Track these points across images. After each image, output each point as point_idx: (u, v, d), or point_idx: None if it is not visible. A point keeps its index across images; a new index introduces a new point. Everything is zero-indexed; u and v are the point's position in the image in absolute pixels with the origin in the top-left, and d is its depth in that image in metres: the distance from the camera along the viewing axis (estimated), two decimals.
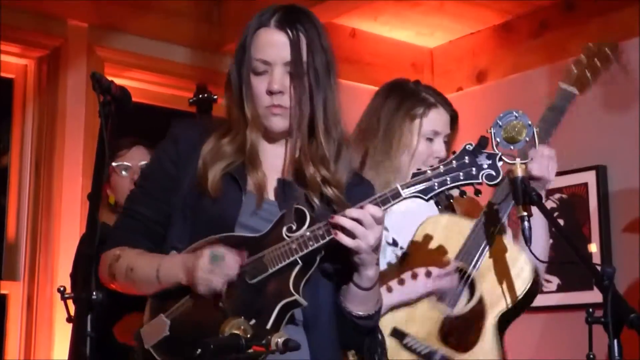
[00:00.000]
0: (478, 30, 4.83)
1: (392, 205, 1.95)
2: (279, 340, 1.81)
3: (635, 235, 4.02)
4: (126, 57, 4.09)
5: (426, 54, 5.06)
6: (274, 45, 2.06)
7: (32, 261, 3.85)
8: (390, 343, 2.50)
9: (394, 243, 2.65)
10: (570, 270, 4.10)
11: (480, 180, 1.94)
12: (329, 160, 2.08)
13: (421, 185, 1.94)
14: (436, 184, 1.94)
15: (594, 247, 4.12)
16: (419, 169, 1.97)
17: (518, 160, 2.24)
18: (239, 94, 2.10)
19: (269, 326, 1.90)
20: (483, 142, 1.98)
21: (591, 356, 1.87)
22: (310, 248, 1.95)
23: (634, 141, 4.09)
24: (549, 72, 4.51)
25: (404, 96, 2.77)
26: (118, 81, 1.93)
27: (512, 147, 2.29)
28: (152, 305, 2.05)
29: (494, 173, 1.95)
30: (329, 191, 2.06)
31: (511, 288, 2.58)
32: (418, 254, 2.59)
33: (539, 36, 4.55)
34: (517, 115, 2.30)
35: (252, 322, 1.90)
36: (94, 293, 1.65)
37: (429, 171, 1.95)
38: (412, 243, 2.61)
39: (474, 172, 1.94)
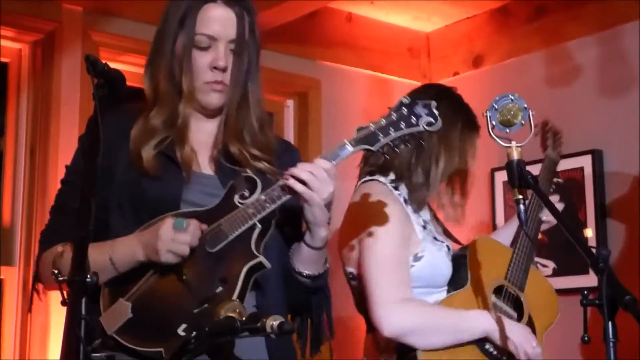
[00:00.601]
0: (474, 15, 4.82)
1: (341, 159, 2.02)
2: (273, 323, 1.81)
3: (631, 219, 4.02)
4: (121, 41, 4.07)
5: (422, 38, 5.05)
6: (221, 21, 2.09)
7: (28, 246, 3.84)
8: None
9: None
10: (566, 255, 4.11)
11: (421, 128, 2.02)
12: (257, 135, 2.14)
13: (368, 138, 2.02)
14: (381, 135, 2.01)
15: (589, 232, 4.12)
16: (364, 126, 2.04)
17: (514, 143, 2.24)
18: (169, 66, 2.11)
19: (236, 292, 1.93)
20: (415, 94, 2.13)
21: (586, 338, 1.87)
22: (268, 209, 2.00)
23: (630, 125, 4.08)
24: (546, 57, 4.51)
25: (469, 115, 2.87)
26: (113, 65, 1.92)
27: (507, 130, 2.30)
28: (108, 293, 2.02)
29: (432, 120, 2.03)
30: (261, 165, 2.13)
31: (550, 304, 2.85)
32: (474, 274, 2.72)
33: (536, 20, 4.54)
34: (512, 98, 2.31)
35: (219, 289, 1.93)
36: (89, 276, 1.65)
37: (372, 125, 2.03)
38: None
39: (413, 121, 2.02)
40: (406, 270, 2.64)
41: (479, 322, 2.63)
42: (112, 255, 1.98)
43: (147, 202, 2.04)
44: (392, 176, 2.76)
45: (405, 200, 2.73)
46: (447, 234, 2.96)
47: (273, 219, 2.05)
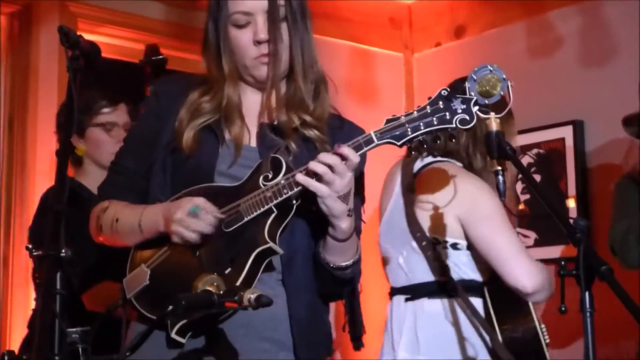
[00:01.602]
0: None
1: (366, 151, 1.94)
2: (251, 296, 1.80)
3: (611, 190, 4.04)
4: (99, 12, 4.03)
5: (404, 9, 5.02)
6: None
7: (7, 220, 3.82)
8: None
9: None
10: (547, 225, 4.12)
11: (454, 125, 1.92)
12: (307, 103, 2.10)
13: (395, 131, 1.92)
14: (409, 129, 1.92)
15: (572, 202, 4.14)
16: (394, 117, 1.96)
17: (492, 114, 2.23)
18: (217, 50, 2.12)
19: (243, 274, 1.91)
20: (458, 87, 1.98)
21: (562, 308, 1.88)
22: (285, 196, 1.95)
23: (611, 96, 4.09)
24: (528, 27, 4.50)
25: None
26: (91, 37, 1.92)
27: (486, 101, 2.29)
28: (134, 256, 2.09)
29: (467, 117, 1.93)
30: (311, 133, 2.08)
31: None
32: None
33: None
34: (491, 69, 2.29)
35: (228, 270, 1.92)
36: (63, 250, 1.64)
37: (402, 117, 1.93)
38: None
39: (447, 117, 1.92)
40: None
41: None
42: (141, 219, 2.04)
43: (184, 172, 2.07)
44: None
45: None
46: None
47: (295, 204, 1.98)
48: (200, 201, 1.96)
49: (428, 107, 1.93)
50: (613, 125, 4.06)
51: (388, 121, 1.94)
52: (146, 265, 2.03)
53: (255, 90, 2.15)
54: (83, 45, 1.90)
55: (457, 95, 1.95)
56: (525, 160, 4.24)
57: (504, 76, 2.28)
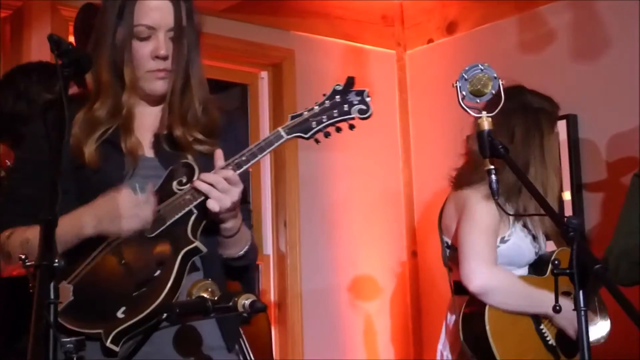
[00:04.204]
0: None
1: (275, 147, 2.06)
2: (245, 302, 1.82)
3: (605, 183, 4.05)
4: None
5: (396, 6, 5.02)
6: (159, 11, 2.13)
7: None
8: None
9: None
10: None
11: (353, 116, 2.09)
12: (201, 119, 2.18)
13: (301, 125, 2.08)
14: (314, 122, 2.07)
15: (567, 195, 4.14)
16: (297, 113, 2.10)
17: (484, 113, 2.23)
18: (111, 58, 2.15)
19: (173, 275, 1.97)
20: (350, 82, 2.11)
21: (557, 307, 1.88)
22: (203, 197, 2.04)
23: (605, 90, 4.10)
24: (520, 22, 4.50)
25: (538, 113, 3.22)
26: None
27: (478, 101, 2.29)
28: None
29: (364, 107, 2.10)
30: (202, 148, 2.16)
31: None
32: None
33: None
34: (482, 68, 2.29)
35: (157, 273, 1.98)
36: (56, 260, 1.63)
37: (305, 113, 2.08)
38: None
39: (346, 109, 2.08)
40: (495, 242, 3.06)
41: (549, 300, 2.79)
42: (57, 229, 1.98)
43: (90, 190, 2.07)
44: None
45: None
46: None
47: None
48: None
49: (327, 101, 2.08)
50: (606, 119, 4.08)
51: (292, 117, 2.08)
52: (67, 281, 2.01)
53: (146, 103, 2.21)
54: (73, 53, 1.90)
55: (350, 89, 2.10)
56: None
57: (495, 75, 2.29)
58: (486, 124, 2.22)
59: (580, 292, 1.83)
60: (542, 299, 3.00)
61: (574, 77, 4.23)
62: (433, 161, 4.79)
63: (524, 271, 3.17)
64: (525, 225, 3.16)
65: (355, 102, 2.09)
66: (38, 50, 3.87)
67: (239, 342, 3.07)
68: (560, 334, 3.13)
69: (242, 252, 2.18)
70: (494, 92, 2.28)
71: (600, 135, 4.10)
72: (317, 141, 2.09)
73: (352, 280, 4.66)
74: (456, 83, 2.29)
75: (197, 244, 2.02)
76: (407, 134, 4.99)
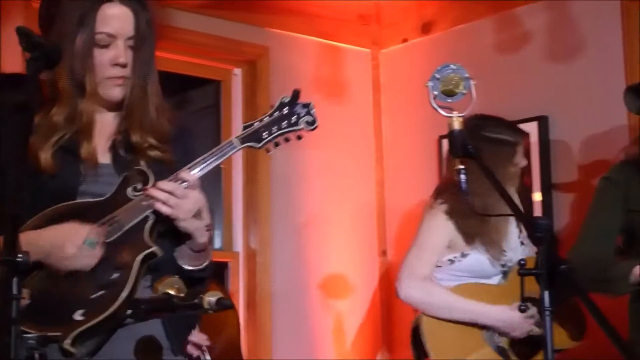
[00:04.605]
0: None
1: (226, 157, 2.13)
2: (211, 299, 1.81)
3: (575, 185, 4.07)
4: None
5: (372, 5, 5.02)
6: (119, 19, 2.17)
7: None
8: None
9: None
10: None
11: (301, 127, 2.16)
12: (156, 125, 2.23)
13: (253, 136, 2.15)
14: (265, 133, 2.14)
15: (538, 196, 4.16)
16: (249, 124, 2.17)
17: (455, 113, 2.24)
18: (70, 64, 2.16)
19: (131, 278, 2.00)
20: (296, 94, 2.18)
21: (522, 307, 1.90)
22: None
23: (577, 92, 4.12)
24: (495, 23, 4.52)
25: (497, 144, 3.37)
26: None
27: (449, 100, 2.30)
28: None
29: (311, 119, 2.18)
30: (157, 154, 2.21)
31: None
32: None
33: None
34: (454, 68, 2.30)
35: (115, 276, 2.01)
36: (19, 255, 1.62)
37: (256, 123, 2.15)
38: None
39: (294, 120, 2.16)
40: (432, 260, 3.33)
41: (485, 313, 3.25)
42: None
43: (45, 196, 2.09)
44: None
45: None
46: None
47: None
48: (93, 233, 2.02)
49: (275, 113, 2.16)
50: (578, 121, 4.10)
51: (245, 127, 2.15)
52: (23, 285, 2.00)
53: (103, 109, 2.23)
54: (43, 47, 1.88)
55: (297, 102, 2.18)
56: None
57: (467, 75, 2.29)
58: (457, 123, 2.23)
59: (546, 293, 1.85)
60: (473, 313, 3.26)
61: (548, 79, 4.25)
62: (406, 160, 4.80)
63: (493, 281, 3.35)
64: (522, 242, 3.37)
65: (303, 114, 2.17)
66: (9, 44, 3.83)
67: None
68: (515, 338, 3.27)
69: (202, 266, 2.21)
70: (465, 92, 2.29)
71: (572, 137, 4.12)
72: (267, 150, 2.17)
73: (323, 278, 4.66)
74: (428, 82, 2.29)
75: (154, 248, 2.05)
76: (380, 133, 5.00)
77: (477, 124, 3.31)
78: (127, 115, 2.22)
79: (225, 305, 1.81)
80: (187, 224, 2.08)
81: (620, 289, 2.96)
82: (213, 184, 4.52)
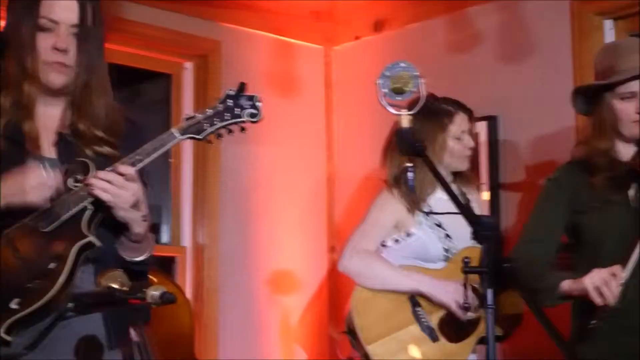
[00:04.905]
0: None
1: (166, 149, 2.14)
2: (154, 292, 1.81)
3: (523, 184, 4.11)
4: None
5: (325, 2, 5.00)
6: (64, 6, 2.21)
7: None
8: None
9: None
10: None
11: (245, 119, 2.17)
12: (102, 120, 2.26)
13: (195, 127, 2.15)
14: (207, 125, 2.15)
15: (486, 195, 4.20)
16: (191, 115, 2.18)
17: (404, 111, 2.25)
18: (16, 49, 2.21)
19: (67, 268, 2.03)
20: (242, 87, 2.18)
21: (465, 305, 1.91)
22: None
23: (526, 93, 4.16)
24: (447, 23, 4.54)
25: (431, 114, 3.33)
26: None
27: (398, 98, 2.30)
28: None
29: (255, 111, 2.17)
30: (104, 149, 2.24)
31: None
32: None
33: None
34: (404, 66, 2.31)
35: (51, 265, 2.03)
36: None
37: (198, 115, 2.16)
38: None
39: (237, 112, 2.16)
40: (377, 237, 3.34)
41: (408, 280, 3.27)
42: None
43: None
44: None
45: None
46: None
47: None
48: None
49: (220, 105, 2.16)
50: (526, 122, 4.14)
51: (187, 119, 2.16)
52: None
53: (48, 99, 2.26)
54: None
55: (242, 94, 2.18)
56: None
57: (416, 73, 2.30)
58: (405, 121, 2.24)
59: (489, 290, 1.87)
60: (399, 282, 3.27)
61: (498, 79, 4.28)
62: (356, 158, 4.82)
63: (437, 265, 3.31)
64: (438, 225, 3.31)
65: (247, 106, 2.17)
66: None
67: (137, 339, 3.09)
68: (446, 318, 3.23)
69: (143, 258, 2.24)
70: (414, 90, 2.30)
71: (521, 137, 4.17)
72: (209, 142, 2.17)
73: (271, 274, 4.66)
74: (378, 80, 2.30)
75: (90, 238, 2.07)
76: (332, 130, 5.00)
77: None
78: (71, 105, 2.24)
79: (169, 299, 1.81)
80: (125, 213, 2.11)
81: (546, 301, 2.93)
82: (162, 178, 4.49)
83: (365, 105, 4.69)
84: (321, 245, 4.89)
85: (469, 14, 4.45)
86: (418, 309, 3.25)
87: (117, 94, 2.35)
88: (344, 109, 4.97)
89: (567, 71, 3.98)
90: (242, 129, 2.19)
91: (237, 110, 2.15)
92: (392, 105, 2.28)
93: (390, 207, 3.32)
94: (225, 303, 4.47)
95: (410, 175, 2.23)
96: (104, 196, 2.07)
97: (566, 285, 2.90)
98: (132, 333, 3.27)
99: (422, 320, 3.24)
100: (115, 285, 1.86)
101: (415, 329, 3.22)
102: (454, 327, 3.22)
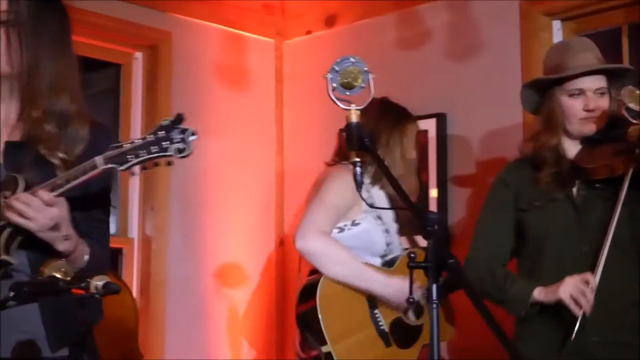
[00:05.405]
0: None
1: (83, 180, 2.08)
2: (98, 283, 1.79)
3: (472, 180, 4.15)
4: None
5: None
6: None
7: None
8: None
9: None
10: (410, 216, 4.19)
11: (171, 153, 2.04)
12: (51, 129, 2.22)
13: (119, 158, 2.06)
14: (132, 156, 2.05)
15: (434, 192, 4.23)
16: (118, 144, 2.09)
17: (353, 106, 2.25)
18: None
19: None
20: (178, 118, 2.06)
21: (411, 300, 1.92)
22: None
23: (474, 90, 4.19)
24: (398, 19, 4.56)
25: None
26: None
27: (347, 93, 2.31)
28: None
29: (183, 147, 2.05)
30: (54, 160, 2.20)
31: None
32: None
33: None
34: (353, 61, 2.31)
35: None
36: None
37: (126, 145, 2.06)
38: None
39: (165, 146, 2.04)
40: (333, 219, 3.28)
41: (377, 278, 3.25)
42: None
43: None
44: None
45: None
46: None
47: None
48: None
49: (150, 136, 2.05)
50: (475, 119, 4.18)
51: (113, 147, 2.07)
52: None
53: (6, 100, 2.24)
54: None
55: (176, 126, 2.06)
56: None
57: (366, 68, 2.31)
58: (354, 116, 2.24)
59: (434, 285, 1.88)
60: (369, 274, 3.24)
61: (447, 77, 4.31)
62: (305, 152, 4.82)
63: (377, 262, 3.35)
64: (379, 217, 3.37)
65: (176, 140, 2.05)
66: None
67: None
68: (396, 324, 3.29)
69: (81, 266, 2.20)
70: (363, 85, 2.30)
71: (469, 134, 4.20)
72: (132, 174, 2.13)
73: (219, 267, 4.64)
74: (327, 74, 2.30)
75: (5, 257, 2.05)
76: (282, 124, 5.00)
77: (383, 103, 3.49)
78: (20, 99, 2.21)
79: (112, 290, 1.79)
80: (43, 234, 2.09)
81: (518, 312, 3.00)
82: None
83: (315, 100, 4.69)
84: (269, 238, 4.89)
85: (419, 12, 4.47)
86: (376, 311, 3.28)
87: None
88: (294, 103, 4.98)
89: (515, 70, 4.02)
90: (169, 163, 2.09)
91: (165, 144, 2.04)
92: (341, 100, 2.28)
93: (342, 189, 3.26)
94: (173, 295, 4.44)
95: (358, 170, 2.23)
96: (19, 220, 2.05)
97: (538, 294, 2.94)
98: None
99: (380, 324, 3.26)
100: (58, 275, 1.85)
101: (371, 332, 3.25)
102: (404, 333, 3.29)
